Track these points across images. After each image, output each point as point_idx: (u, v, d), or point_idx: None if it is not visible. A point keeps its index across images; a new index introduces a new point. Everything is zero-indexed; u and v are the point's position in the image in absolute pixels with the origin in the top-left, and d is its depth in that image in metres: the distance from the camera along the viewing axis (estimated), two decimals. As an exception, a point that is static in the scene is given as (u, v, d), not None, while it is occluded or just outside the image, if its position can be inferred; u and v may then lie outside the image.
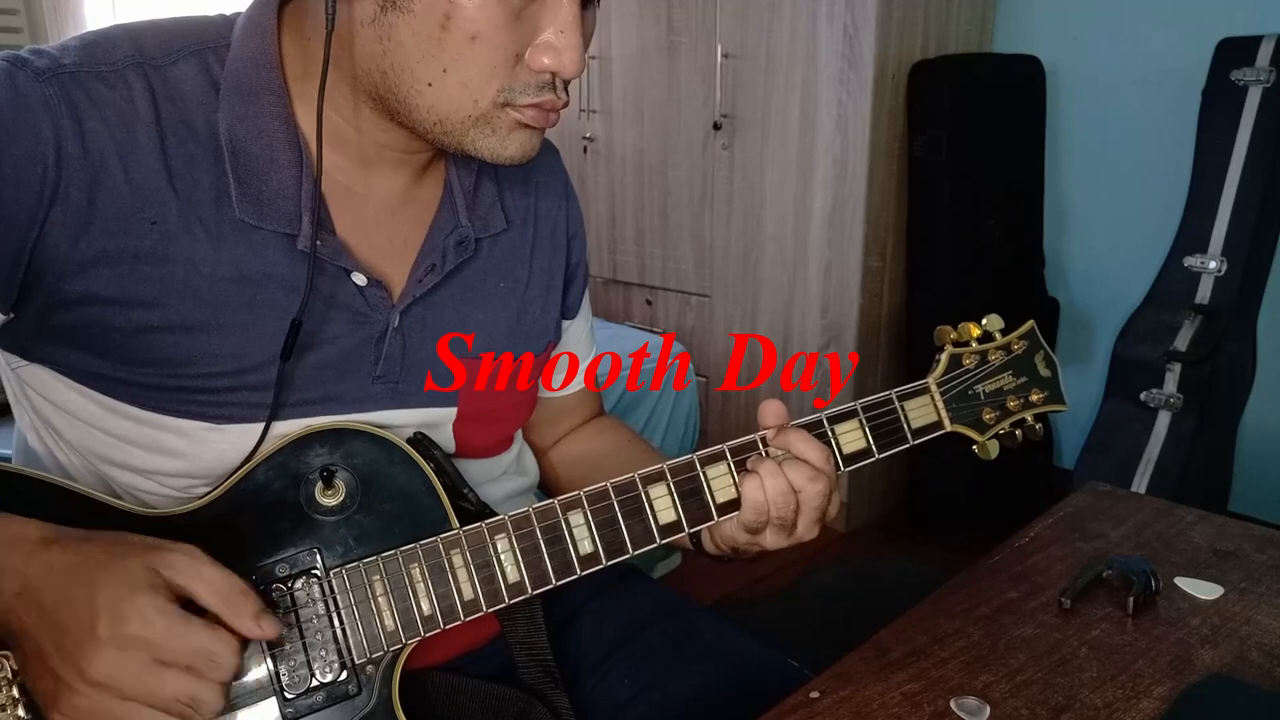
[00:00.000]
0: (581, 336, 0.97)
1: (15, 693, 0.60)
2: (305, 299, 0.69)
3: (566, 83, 0.69)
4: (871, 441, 0.78)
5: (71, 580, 0.56)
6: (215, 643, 0.58)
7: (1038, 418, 0.85)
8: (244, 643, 0.61)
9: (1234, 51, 2.07)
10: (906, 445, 0.79)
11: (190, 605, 0.59)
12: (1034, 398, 0.84)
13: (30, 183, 0.62)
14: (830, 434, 0.77)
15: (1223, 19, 2.16)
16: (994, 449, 0.82)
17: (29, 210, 0.63)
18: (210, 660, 0.57)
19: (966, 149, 2.27)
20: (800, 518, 0.74)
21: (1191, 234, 2.13)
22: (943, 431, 0.81)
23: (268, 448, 0.70)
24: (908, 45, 2.27)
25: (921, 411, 0.80)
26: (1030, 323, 0.86)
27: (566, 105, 0.71)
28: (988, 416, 0.82)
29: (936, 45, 2.35)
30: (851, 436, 0.77)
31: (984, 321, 0.83)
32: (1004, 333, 0.84)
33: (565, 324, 0.93)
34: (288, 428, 0.71)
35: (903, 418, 0.79)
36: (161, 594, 0.57)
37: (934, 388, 0.81)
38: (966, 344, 0.83)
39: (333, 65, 0.67)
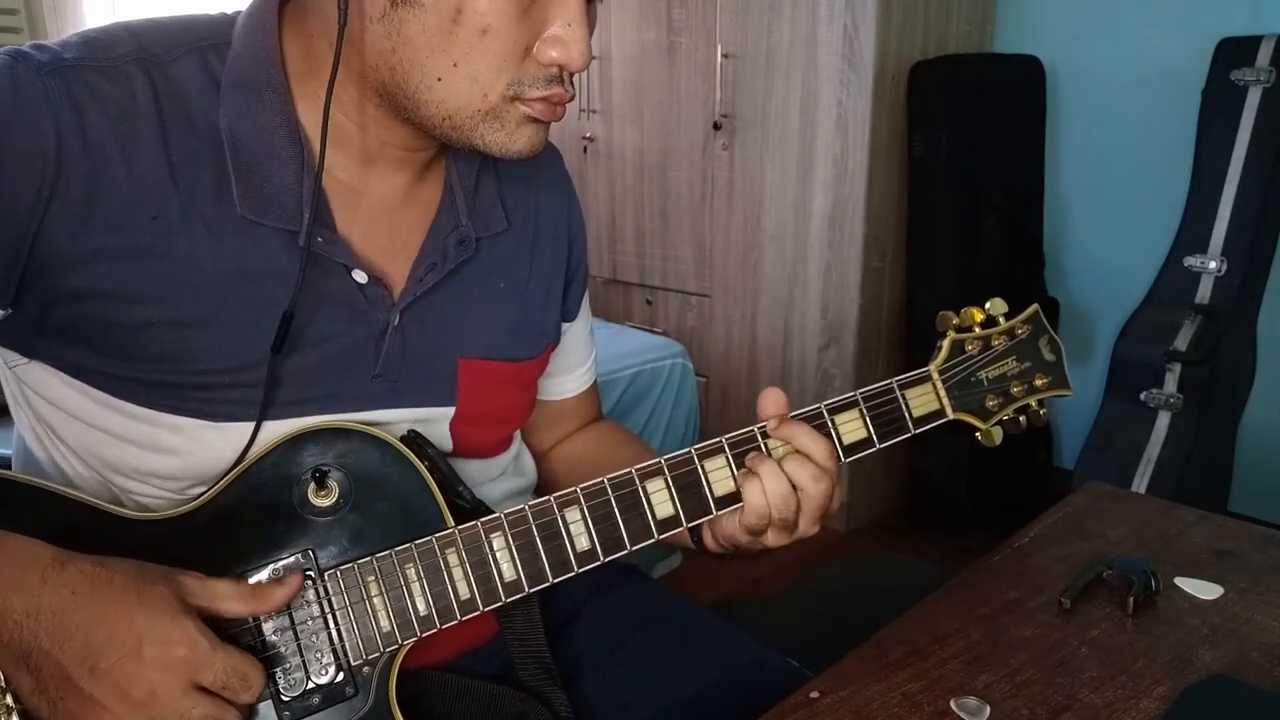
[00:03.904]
0: (581, 339, 0.97)
1: (10, 700, 0.59)
2: (296, 291, 0.68)
3: (572, 75, 0.70)
4: (872, 431, 0.77)
5: (99, 601, 0.57)
6: (248, 664, 0.61)
7: (1041, 403, 0.84)
8: (266, 675, 0.64)
9: (1234, 51, 2.07)
10: (908, 434, 0.79)
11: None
12: (1038, 383, 0.83)
13: (30, 176, 0.62)
14: (830, 424, 0.76)
15: (1223, 19, 2.16)
16: (998, 436, 0.81)
17: (28, 204, 0.63)
18: (243, 680, 0.61)
19: (966, 149, 2.27)
20: (801, 517, 0.74)
21: (1191, 234, 2.13)
22: (945, 420, 0.80)
23: (260, 448, 0.69)
24: (908, 45, 2.27)
25: (923, 400, 0.79)
26: (1034, 306, 0.84)
27: (573, 98, 0.71)
28: (991, 403, 0.81)
29: (936, 45, 2.35)
30: (852, 426, 0.77)
31: (988, 305, 0.82)
32: (1008, 317, 0.83)
33: (564, 326, 0.93)
34: (284, 426, 0.70)
35: (904, 406, 0.78)
36: (197, 618, 0.60)
37: (935, 375, 0.80)
38: (969, 329, 0.82)
39: (340, 61, 0.67)
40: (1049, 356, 0.84)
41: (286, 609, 0.66)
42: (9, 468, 0.76)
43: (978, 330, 0.82)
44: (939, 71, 2.27)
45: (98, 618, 0.57)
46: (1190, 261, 2.12)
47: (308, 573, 0.67)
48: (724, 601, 2.08)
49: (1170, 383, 2.13)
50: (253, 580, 0.66)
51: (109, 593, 0.58)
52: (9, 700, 0.59)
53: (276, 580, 0.66)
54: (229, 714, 0.60)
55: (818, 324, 2.42)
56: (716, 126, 2.48)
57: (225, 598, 0.63)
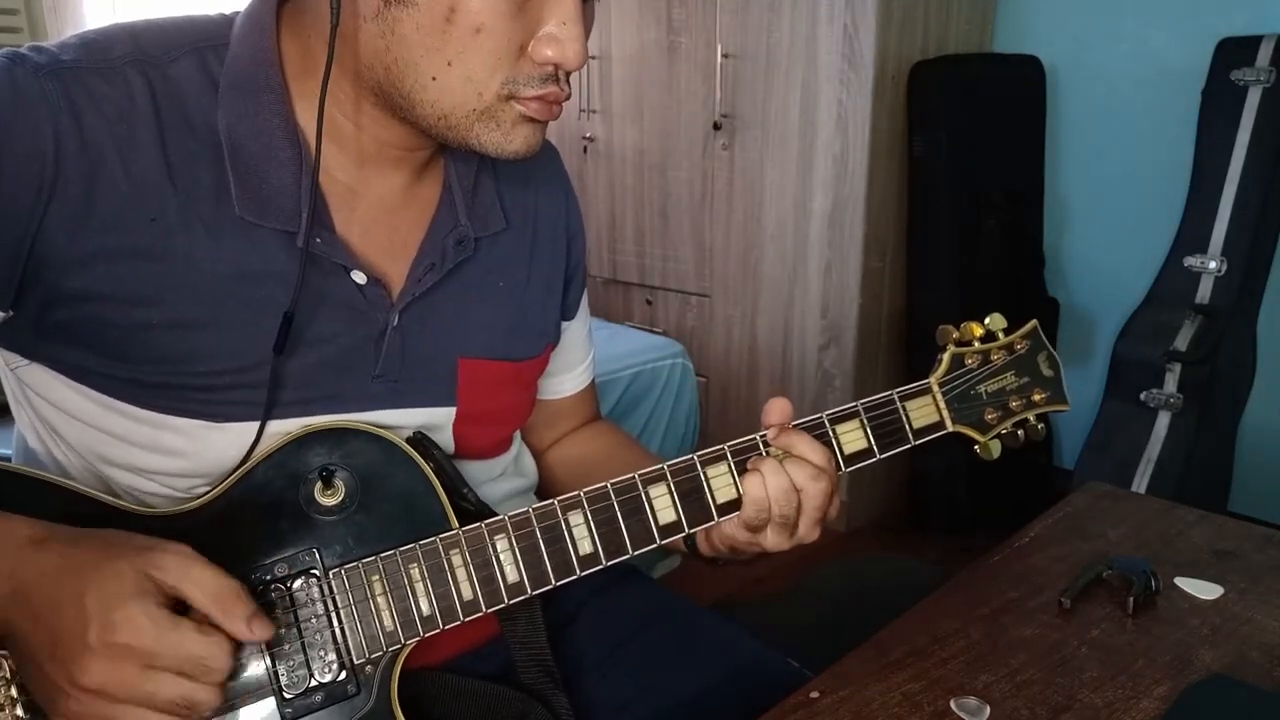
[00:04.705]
0: (580, 338, 0.97)
1: (14, 692, 0.60)
2: (297, 291, 0.68)
3: (568, 75, 0.70)
4: (873, 441, 0.78)
5: (61, 584, 0.56)
6: (205, 647, 0.57)
7: (1040, 417, 0.85)
8: (238, 643, 0.60)
9: (1234, 51, 2.07)
10: (908, 445, 0.79)
11: (184, 607, 0.59)
12: (1036, 397, 0.84)
13: (29, 178, 0.62)
14: (831, 434, 0.77)
15: (1223, 19, 2.16)
16: (996, 449, 0.82)
17: (27, 206, 0.63)
18: (202, 665, 0.57)
19: (966, 149, 2.27)
20: (802, 517, 0.74)
21: (1191, 234, 2.13)
22: (944, 432, 0.81)
23: (266, 447, 0.70)
24: (908, 45, 2.27)
25: (923, 412, 0.80)
26: (1033, 322, 0.85)
27: (569, 98, 0.71)
28: (990, 416, 0.82)
29: (936, 45, 2.35)
30: (853, 436, 0.77)
31: (987, 321, 0.83)
32: (1007, 332, 0.84)
33: (564, 325, 0.93)
34: (286, 426, 0.71)
35: (904, 418, 0.79)
36: (150, 599, 0.56)
37: (936, 388, 0.80)
38: (969, 343, 0.82)
39: (335, 62, 0.67)
40: (1047, 372, 0.85)
41: (291, 606, 0.66)
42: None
43: (977, 345, 0.82)
44: (939, 71, 2.28)
45: (57, 602, 0.55)
46: (1190, 261, 2.12)
47: (312, 571, 0.67)
48: (724, 601, 2.08)
49: (1170, 383, 2.13)
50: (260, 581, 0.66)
51: (74, 573, 0.56)
52: (13, 692, 0.60)
53: (255, 608, 0.60)
54: (200, 692, 0.57)
55: (818, 324, 2.42)
56: (716, 126, 2.48)
57: (194, 584, 0.58)
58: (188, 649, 0.56)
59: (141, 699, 0.55)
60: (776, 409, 0.75)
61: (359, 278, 0.73)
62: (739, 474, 0.74)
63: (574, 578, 0.71)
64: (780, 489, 0.73)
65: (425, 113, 0.68)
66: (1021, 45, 2.48)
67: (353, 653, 0.67)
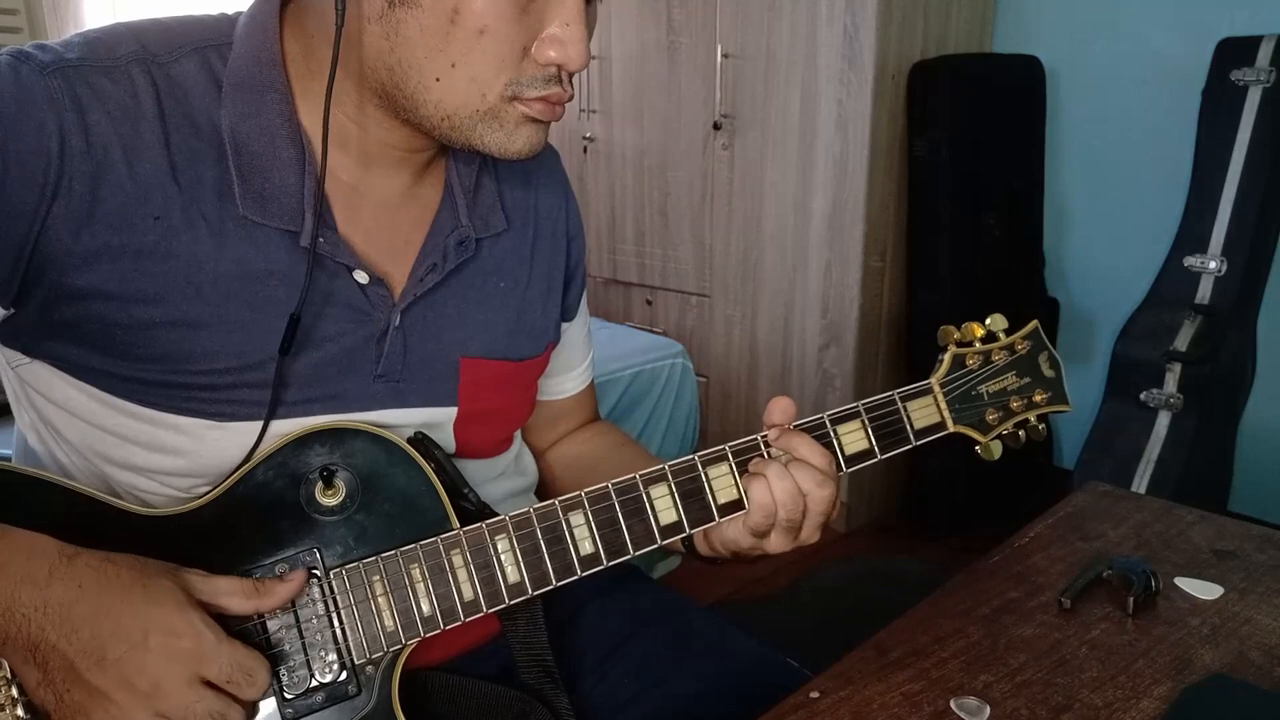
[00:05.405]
0: (579, 338, 0.97)
1: (15, 692, 0.60)
2: (304, 293, 0.69)
3: (571, 75, 0.70)
4: (874, 442, 0.78)
5: (106, 593, 0.58)
6: (253, 659, 0.62)
7: (1040, 418, 0.85)
8: (271, 671, 0.64)
9: (1234, 51, 2.07)
10: (909, 446, 0.79)
11: None
12: (1037, 398, 0.84)
13: (33, 176, 0.62)
14: (832, 434, 0.77)
15: (1223, 19, 2.16)
16: (997, 450, 0.82)
17: (31, 204, 0.63)
18: (248, 675, 0.61)
19: (966, 149, 2.27)
20: (806, 521, 0.74)
21: (1191, 234, 2.13)
22: (946, 432, 0.81)
23: (268, 447, 0.70)
24: (908, 45, 2.28)
25: (924, 412, 0.80)
26: (1034, 323, 0.85)
27: (571, 98, 0.71)
28: (991, 417, 0.82)
29: (936, 45, 2.35)
30: (854, 437, 0.77)
31: (988, 321, 0.83)
32: (1008, 333, 0.84)
33: (564, 325, 0.93)
34: (288, 426, 0.71)
35: (905, 418, 0.79)
36: (199, 612, 0.60)
37: (937, 388, 0.81)
38: (970, 344, 0.82)
39: (339, 62, 0.67)
40: (1048, 372, 0.85)
41: (292, 607, 0.66)
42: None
43: (978, 345, 0.82)
44: (939, 71, 2.27)
45: (104, 610, 0.57)
46: (1190, 261, 2.12)
47: (314, 571, 0.67)
48: (724, 601, 2.08)
49: (1170, 383, 2.13)
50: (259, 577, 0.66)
51: (116, 586, 0.58)
52: (14, 692, 0.60)
53: (279, 577, 0.66)
54: (233, 710, 0.60)
55: (818, 324, 2.42)
56: (716, 126, 2.48)
57: (228, 594, 0.63)
58: (239, 658, 0.61)
59: (183, 708, 0.58)
60: (779, 409, 0.75)
61: (361, 277, 0.73)
62: (740, 475, 0.74)
63: (575, 578, 0.71)
64: (787, 493, 0.73)
65: (429, 113, 0.68)
66: (1021, 45, 2.48)
67: (353, 653, 0.67)
